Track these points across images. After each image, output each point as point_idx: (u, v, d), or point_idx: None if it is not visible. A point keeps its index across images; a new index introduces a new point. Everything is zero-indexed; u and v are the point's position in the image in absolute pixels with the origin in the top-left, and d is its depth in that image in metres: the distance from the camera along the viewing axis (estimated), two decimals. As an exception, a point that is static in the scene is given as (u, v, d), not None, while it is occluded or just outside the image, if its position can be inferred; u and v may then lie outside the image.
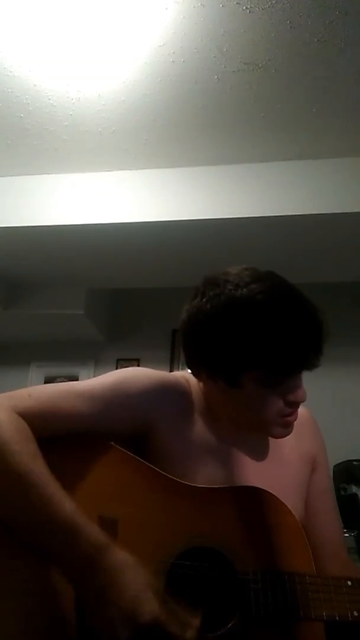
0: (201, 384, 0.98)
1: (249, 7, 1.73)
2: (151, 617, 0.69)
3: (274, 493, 0.88)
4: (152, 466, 0.89)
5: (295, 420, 0.93)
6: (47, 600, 0.77)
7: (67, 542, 0.74)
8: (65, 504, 0.76)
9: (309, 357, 0.87)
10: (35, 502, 0.75)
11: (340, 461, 2.55)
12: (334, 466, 2.50)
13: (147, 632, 0.69)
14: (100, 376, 0.97)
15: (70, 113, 2.20)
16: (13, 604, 0.76)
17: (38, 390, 0.91)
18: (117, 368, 2.75)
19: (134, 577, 0.72)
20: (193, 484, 0.88)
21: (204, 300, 0.90)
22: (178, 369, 3.20)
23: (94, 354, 3.52)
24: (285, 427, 0.93)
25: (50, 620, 0.76)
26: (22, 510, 0.77)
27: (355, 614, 0.81)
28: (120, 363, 3.40)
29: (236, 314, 0.86)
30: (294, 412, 0.92)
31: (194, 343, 0.93)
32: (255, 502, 0.88)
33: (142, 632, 0.69)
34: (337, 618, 0.81)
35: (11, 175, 2.59)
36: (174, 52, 1.91)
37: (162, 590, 0.75)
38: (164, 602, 0.72)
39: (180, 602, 0.74)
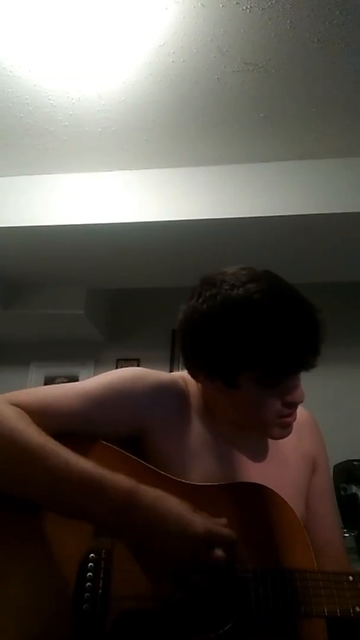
0: (199, 385, 0.97)
1: (249, 7, 1.73)
2: (204, 528, 0.76)
3: (273, 490, 0.88)
4: (150, 465, 0.89)
5: (293, 421, 0.93)
6: (43, 600, 0.77)
7: (98, 494, 0.76)
8: (84, 462, 0.78)
9: (307, 357, 0.87)
10: (55, 467, 0.77)
11: (340, 461, 2.55)
12: (334, 466, 2.50)
13: (204, 544, 0.75)
14: (97, 376, 0.97)
15: (70, 113, 2.20)
16: (9, 607, 0.76)
17: (32, 391, 0.92)
18: (117, 368, 2.75)
19: (171, 504, 0.77)
20: (191, 482, 0.88)
21: (200, 300, 0.89)
22: (178, 369, 3.20)
23: (94, 354, 3.52)
24: (284, 427, 0.93)
25: (48, 621, 0.77)
26: (43, 479, 0.78)
27: (357, 609, 0.81)
28: (120, 363, 3.40)
29: (232, 314, 0.86)
30: (292, 413, 0.92)
31: (190, 344, 0.93)
32: (254, 499, 0.88)
33: (201, 544, 0.75)
34: (339, 614, 0.81)
35: (11, 175, 2.59)
36: (174, 52, 1.90)
37: (193, 507, 0.79)
38: (201, 514, 0.78)
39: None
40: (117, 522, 0.76)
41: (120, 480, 0.77)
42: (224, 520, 0.80)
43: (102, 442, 0.90)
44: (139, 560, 0.77)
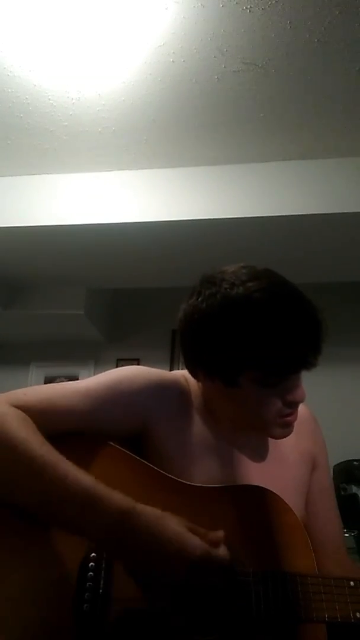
0: (200, 384, 0.97)
1: (249, 7, 1.73)
2: (200, 550, 0.74)
3: (274, 492, 0.88)
4: (151, 465, 0.88)
5: (294, 420, 0.92)
6: (44, 600, 0.77)
7: (94, 510, 0.75)
8: (82, 476, 0.77)
9: (307, 357, 0.86)
10: (54, 480, 0.76)
11: (340, 461, 2.55)
12: (334, 466, 2.51)
13: (199, 566, 0.74)
14: (98, 375, 0.96)
15: (70, 113, 2.20)
16: (10, 606, 0.76)
17: (33, 389, 0.91)
18: (117, 368, 2.74)
19: (168, 526, 0.75)
20: (192, 483, 0.88)
21: (200, 299, 0.89)
22: (178, 369, 3.20)
23: (94, 354, 3.52)
24: (285, 427, 0.92)
25: (49, 621, 0.77)
26: (41, 490, 0.77)
27: (358, 615, 0.81)
28: (120, 363, 3.40)
29: (232, 313, 0.85)
30: (293, 412, 0.91)
31: (190, 343, 0.92)
32: (256, 501, 0.88)
33: (195, 568, 0.73)
34: (339, 620, 0.80)
35: (11, 175, 2.59)
36: (174, 52, 1.90)
37: (190, 524, 0.77)
38: (196, 533, 0.76)
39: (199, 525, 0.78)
40: (113, 541, 0.75)
41: (118, 499, 0.76)
42: (221, 534, 0.79)
43: (106, 441, 0.90)
44: (134, 578, 0.75)
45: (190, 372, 0.95)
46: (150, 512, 0.76)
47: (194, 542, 0.74)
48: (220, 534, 0.78)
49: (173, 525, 0.75)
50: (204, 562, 0.74)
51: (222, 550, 0.77)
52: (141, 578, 0.75)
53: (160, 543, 0.73)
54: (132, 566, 0.75)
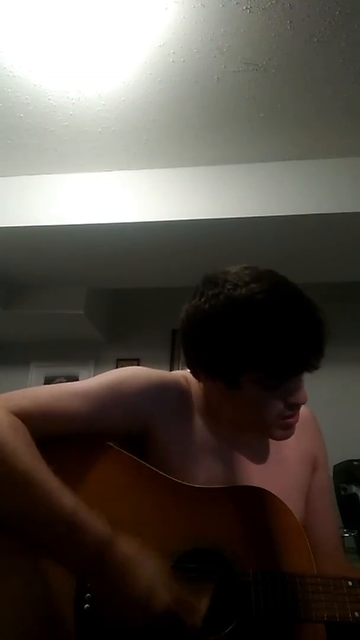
0: (201, 384, 0.97)
1: (249, 7, 1.73)
2: (164, 608, 0.72)
3: (275, 494, 0.88)
4: (151, 467, 0.88)
5: (296, 422, 0.92)
6: (45, 599, 0.77)
7: (71, 539, 0.73)
8: (66, 499, 0.75)
9: (310, 359, 0.86)
10: (35, 500, 0.75)
11: (340, 461, 2.55)
12: (334, 466, 2.51)
13: (159, 620, 0.72)
14: (97, 376, 0.96)
15: (70, 113, 2.20)
16: (11, 605, 0.76)
17: (33, 391, 0.90)
18: (117, 368, 2.75)
19: (143, 569, 0.74)
20: (193, 485, 0.88)
21: (202, 300, 0.88)
22: (178, 369, 3.20)
23: (94, 354, 3.52)
24: (286, 429, 0.92)
25: (49, 620, 0.77)
26: (22, 508, 0.76)
27: (356, 614, 0.81)
28: (120, 363, 3.40)
29: (234, 314, 0.84)
30: (294, 414, 0.91)
31: (192, 343, 0.92)
32: (255, 503, 0.88)
33: (155, 620, 0.72)
34: (338, 619, 0.81)
35: (11, 175, 2.59)
36: (174, 52, 1.90)
37: (169, 579, 0.76)
38: (172, 590, 0.74)
39: (185, 586, 0.76)
40: (86, 571, 0.75)
41: (96, 530, 0.74)
42: (202, 605, 0.75)
43: (106, 443, 0.90)
44: (101, 609, 0.75)
45: (192, 372, 0.95)
46: (127, 549, 0.74)
47: (163, 596, 0.73)
48: (204, 604, 0.76)
49: (148, 569, 0.74)
50: (171, 618, 0.72)
51: (191, 619, 0.74)
52: (107, 614, 0.75)
53: (132, 586, 0.73)
54: (100, 600, 0.75)
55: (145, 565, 0.74)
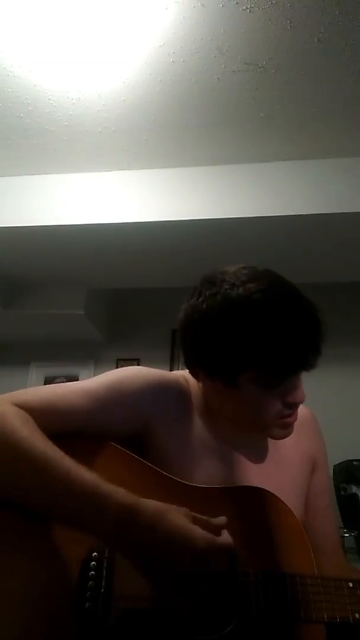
0: (200, 384, 0.97)
1: (249, 7, 1.73)
2: (203, 542, 0.74)
3: (275, 494, 0.88)
4: (152, 465, 0.88)
5: (294, 421, 0.92)
6: (45, 599, 0.77)
7: (98, 508, 0.75)
8: (85, 472, 0.77)
9: (307, 358, 0.86)
10: (57, 478, 0.76)
11: (340, 461, 2.55)
12: (334, 466, 2.51)
13: (204, 557, 0.74)
14: (99, 375, 0.96)
15: (70, 113, 2.20)
16: (11, 604, 0.76)
17: (34, 390, 0.91)
18: (117, 368, 2.75)
19: (173, 517, 0.75)
20: (192, 484, 0.88)
21: (200, 299, 0.89)
22: (178, 369, 3.20)
23: (94, 354, 3.52)
24: (285, 428, 0.92)
25: (49, 619, 0.77)
26: (44, 489, 0.77)
27: (357, 615, 0.81)
28: (120, 363, 3.40)
29: (232, 313, 0.85)
30: (293, 413, 0.91)
31: (190, 343, 0.92)
32: (255, 502, 0.88)
33: (200, 558, 0.74)
34: (338, 620, 0.81)
35: (11, 175, 2.59)
36: (174, 52, 1.90)
37: (192, 514, 0.78)
38: (199, 522, 0.77)
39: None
40: (117, 536, 0.75)
41: (121, 494, 0.76)
42: (223, 520, 0.80)
43: (107, 442, 0.90)
44: (139, 571, 0.76)
45: (191, 372, 0.95)
46: (153, 506, 0.76)
47: (197, 533, 0.75)
48: (222, 520, 0.79)
49: (176, 518, 0.76)
50: (208, 552, 0.75)
51: (225, 537, 0.78)
52: (146, 572, 0.75)
53: (164, 537, 0.74)
54: (137, 561, 0.76)
55: (171, 515, 0.76)
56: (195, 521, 0.77)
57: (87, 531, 0.77)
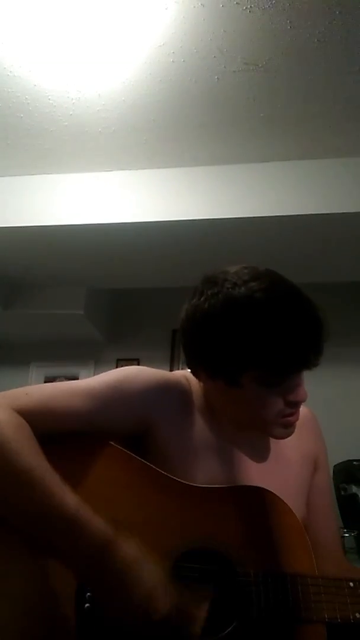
0: (202, 384, 0.97)
1: (249, 7, 1.73)
2: (162, 616, 0.71)
3: (276, 494, 0.88)
4: (152, 466, 0.88)
5: (296, 420, 0.92)
6: (45, 598, 0.77)
7: (72, 539, 0.73)
8: (68, 498, 0.75)
9: (309, 356, 0.86)
10: (37, 498, 0.75)
11: (340, 461, 2.55)
12: (334, 466, 2.51)
13: (159, 626, 0.71)
14: (100, 374, 0.96)
15: (70, 113, 2.20)
16: (11, 605, 0.76)
17: (35, 389, 0.90)
18: (117, 368, 2.74)
19: (144, 574, 0.73)
20: (194, 484, 0.88)
21: (202, 299, 0.89)
22: (178, 369, 3.20)
23: (94, 354, 3.52)
24: (286, 427, 0.92)
25: (49, 619, 0.77)
26: (25, 506, 0.76)
27: (358, 615, 0.81)
28: (120, 363, 3.40)
29: (234, 312, 0.85)
30: (294, 413, 0.91)
31: (192, 343, 0.92)
32: (256, 502, 0.88)
33: (155, 626, 0.71)
34: (339, 620, 0.81)
35: (11, 175, 2.59)
36: (174, 52, 1.90)
37: (169, 584, 0.75)
38: (172, 596, 0.73)
39: (186, 592, 0.75)
40: (86, 571, 0.74)
41: (99, 530, 0.74)
42: (202, 613, 0.74)
43: (108, 442, 0.90)
44: (102, 607, 0.75)
45: (192, 372, 0.95)
46: (128, 552, 0.74)
47: (162, 604, 0.72)
48: (203, 612, 0.74)
49: (148, 574, 0.73)
50: (170, 623, 0.72)
51: (197, 627, 0.73)
52: (108, 614, 0.75)
53: (132, 590, 0.72)
54: (100, 599, 0.75)
55: (145, 569, 0.74)
56: (168, 589, 0.73)
57: (59, 558, 0.76)
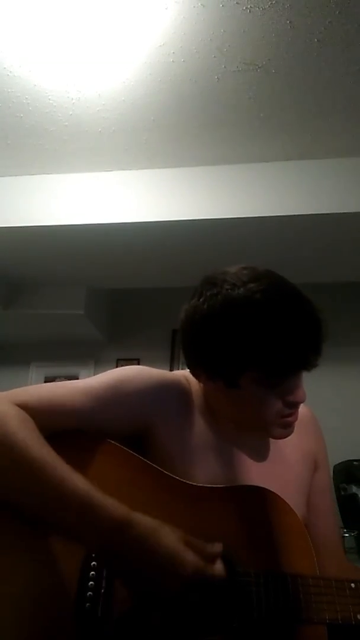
0: (201, 384, 0.97)
1: (249, 7, 1.73)
2: (193, 568, 0.73)
3: (277, 493, 0.88)
4: (153, 464, 0.88)
5: (295, 420, 0.93)
6: (45, 598, 0.77)
7: (88, 519, 0.74)
8: (79, 482, 0.76)
9: (308, 357, 0.86)
10: (51, 483, 0.76)
11: (340, 461, 2.55)
12: (334, 466, 2.51)
13: (193, 584, 0.73)
14: (100, 374, 0.96)
15: (70, 113, 2.20)
16: (11, 605, 0.76)
17: (35, 388, 0.91)
18: (117, 368, 2.74)
19: (164, 537, 0.74)
20: (194, 483, 0.88)
21: (201, 300, 0.89)
22: (178, 369, 3.19)
23: (94, 354, 3.52)
24: (285, 427, 0.92)
25: (49, 620, 0.77)
26: (38, 493, 0.77)
27: (359, 616, 0.81)
28: (120, 363, 3.40)
29: (233, 313, 0.85)
30: (293, 413, 0.91)
31: (191, 343, 0.92)
32: (257, 502, 0.88)
33: (188, 584, 0.73)
34: (340, 621, 0.80)
35: (11, 175, 2.59)
36: (174, 52, 1.90)
37: (187, 537, 0.76)
38: (192, 547, 0.75)
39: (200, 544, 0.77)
40: (106, 549, 0.75)
41: (114, 507, 0.75)
42: (219, 547, 0.77)
43: (108, 440, 0.90)
44: (130, 588, 0.75)
45: (192, 372, 0.95)
46: (145, 523, 0.75)
47: (188, 558, 0.73)
48: (217, 548, 0.78)
49: (168, 539, 0.74)
50: (197, 579, 0.73)
51: (217, 567, 0.76)
52: (134, 589, 0.75)
53: (153, 557, 0.73)
54: (125, 577, 0.75)
55: (163, 534, 0.74)
56: (189, 544, 0.75)
57: (76, 541, 0.77)
